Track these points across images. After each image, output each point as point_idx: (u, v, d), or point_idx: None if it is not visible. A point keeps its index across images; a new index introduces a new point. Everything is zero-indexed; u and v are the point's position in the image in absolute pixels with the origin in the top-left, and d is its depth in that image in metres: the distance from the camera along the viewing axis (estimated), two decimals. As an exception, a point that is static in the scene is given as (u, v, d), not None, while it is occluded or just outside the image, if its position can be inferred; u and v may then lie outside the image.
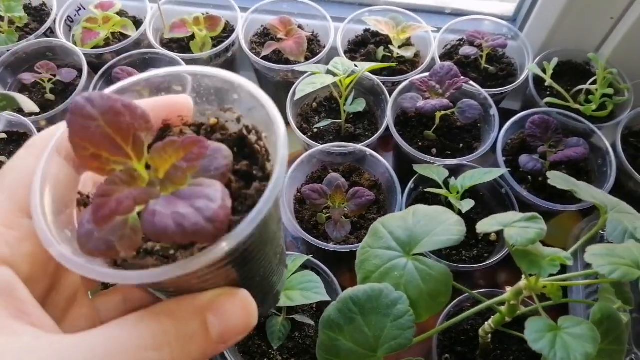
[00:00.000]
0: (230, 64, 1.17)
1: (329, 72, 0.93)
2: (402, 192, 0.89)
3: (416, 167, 0.89)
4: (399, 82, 1.00)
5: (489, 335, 0.72)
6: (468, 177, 0.86)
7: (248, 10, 1.14)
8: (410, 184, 0.90)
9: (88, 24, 1.12)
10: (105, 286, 0.68)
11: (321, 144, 0.95)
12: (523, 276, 0.60)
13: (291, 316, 0.78)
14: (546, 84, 1.01)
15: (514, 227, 0.57)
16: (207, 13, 1.16)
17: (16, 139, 1.01)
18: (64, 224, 0.31)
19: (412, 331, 0.56)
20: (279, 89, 1.12)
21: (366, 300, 0.59)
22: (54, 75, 1.08)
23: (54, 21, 1.15)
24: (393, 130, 0.94)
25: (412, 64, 1.11)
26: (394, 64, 1.07)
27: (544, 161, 0.91)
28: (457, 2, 1.21)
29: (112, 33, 1.14)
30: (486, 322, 0.70)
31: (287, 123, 0.97)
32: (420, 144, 0.98)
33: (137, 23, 1.18)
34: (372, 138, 0.95)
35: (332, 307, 0.60)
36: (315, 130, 1.02)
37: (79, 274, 0.27)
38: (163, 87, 0.37)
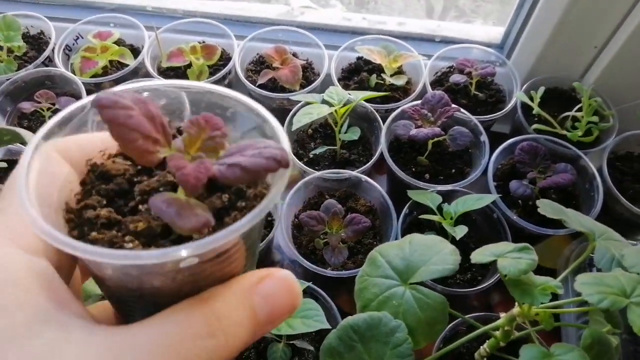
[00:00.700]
0: (226, 91, 1.19)
1: (324, 101, 0.96)
2: (397, 216, 0.91)
3: (410, 194, 0.92)
4: (392, 109, 1.03)
5: (485, 359, 0.74)
6: (461, 203, 0.89)
7: (244, 39, 1.17)
8: (405, 210, 0.93)
9: (86, 53, 1.14)
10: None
11: (317, 170, 0.98)
12: (516, 304, 0.63)
13: (291, 342, 0.79)
14: (534, 112, 1.05)
15: (507, 257, 0.59)
16: (204, 42, 1.19)
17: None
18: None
19: (411, 359, 0.58)
20: (275, 116, 1.14)
21: (366, 329, 0.60)
22: (53, 104, 1.09)
23: (53, 50, 1.17)
24: (387, 157, 0.97)
25: (404, 91, 1.14)
26: (386, 93, 1.10)
27: (534, 187, 0.94)
28: (446, 30, 1.25)
29: (110, 62, 1.17)
30: (481, 347, 0.72)
31: (284, 150, 0.99)
32: (413, 169, 1.01)
33: (135, 52, 1.20)
34: (367, 165, 0.98)
35: (332, 335, 0.61)
36: (311, 156, 1.04)
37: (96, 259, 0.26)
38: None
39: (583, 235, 1.00)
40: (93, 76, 1.13)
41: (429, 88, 1.09)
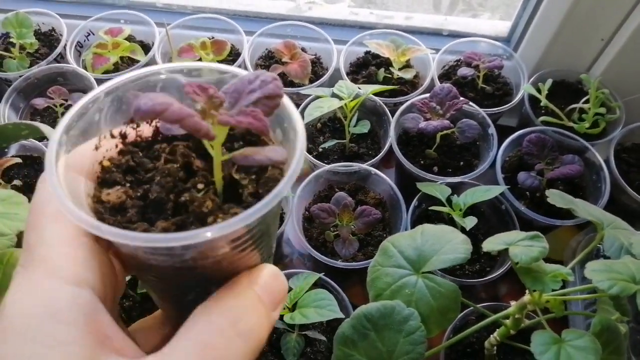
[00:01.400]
0: (236, 86, 1.20)
1: (333, 95, 0.97)
2: (407, 209, 0.93)
3: (420, 186, 0.93)
4: (401, 103, 1.04)
5: (495, 348, 0.76)
6: (470, 194, 0.90)
7: (253, 34, 1.18)
8: (415, 202, 0.94)
9: (98, 49, 1.16)
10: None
11: (326, 163, 0.99)
12: (527, 291, 0.64)
13: (304, 332, 0.81)
14: (542, 104, 1.06)
15: (518, 245, 0.60)
16: (213, 37, 1.20)
17: (30, 163, 1.04)
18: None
19: (424, 346, 0.59)
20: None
21: (379, 317, 0.62)
22: (66, 100, 1.11)
23: (64, 47, 1.18)
24: (396, 150, 0.98)
25: (412, 84, 1.15)
26: (395, 86, 1.11)
27: (541, 178, 0.95)
28: (453, 24, 1.26)
29: (122, 58, 1.18)
30: (491, 335, 0.74)
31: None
32: (422, 162, 1.02)
33: (146, 48, 1.22)
34: (376, 158, 0.99)
35: (346, 324, 0.63)
36: (321, 150, 1.05)
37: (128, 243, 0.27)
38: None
39: (589, 227, 1.01)
40: (105, 72, 1.15)
41: (437, 81, 1.10)
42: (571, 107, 1.07)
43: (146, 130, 0.37)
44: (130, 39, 1.22)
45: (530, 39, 1.14)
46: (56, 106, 1.10)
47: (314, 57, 1.19)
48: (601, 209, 0.79)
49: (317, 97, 0.97)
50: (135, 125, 0.37)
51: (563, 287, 0.63)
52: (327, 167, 0.97)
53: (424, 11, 1.45)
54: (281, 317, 0.77)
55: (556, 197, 0.73)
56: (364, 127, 1.01)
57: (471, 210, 0.95)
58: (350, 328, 0.63)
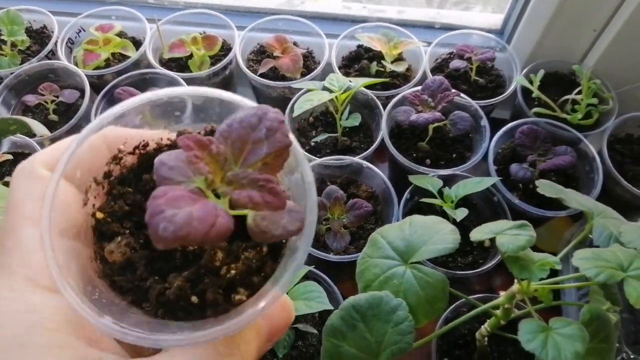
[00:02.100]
0: (228, 82, 1.20)
1: (324, 88, 0.96)
2: (399, 202, 0.92)
3: (411, 178, 0.93)
4: (393, 96, 1.04)
5: (486, 339, 0.75)
6: (461, 186, 0.89)
7: (244, 29, 1.18)
8: (406, 194, 0.94)
9: (89, 45, 1.15)
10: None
11: (319, 157, 0.98)
12: (515, 280, 0.63)
13: (295, 325, 0.81)
14: (533, 95, 1.06)
15: (505, 234, 0.60)
16: (205, 32, 1.20)
17: (22, 159, 1.03)
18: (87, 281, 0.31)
19: (412, 336, 0.59)
20: (276, 105, 1.13)
21: (367, 308, 0.61)
22: (57, 97, 1.11)
23: (55, 43, 1.18)
24: (388, 142, 0.98)
25: (404, 77, 1.15)
26: (387, 79, 1.10)
27: (534, 169, 0.95)
28: (446, 17, 1.25)
29: (113, 54, 1.18)
30: (482, 326, 0.73)
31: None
32: (414, 155, 1.01)
33: (137, 44, 1.21)
34: (368, 151, 0.99)
35: (335, 315, 0.62)
36: (313, 144, 1.05)
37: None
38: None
39: (583, 219, 1.01)
40: (96, 68, 1.15)
41: (429, 74, 1.10)
42: (564, 99, 1.07)
43: (129, 159, 0.36)
44: (121, 35, 1.21)
45: (522, 31, 1.14)
46: (47, 102, 1.10)
47: (305, 51, 1.18)
48: (593, 199, 0.79)
49: (309, 91, 0.97)
50: (117, 161, 0.36)
51: (554, 277, 0.63)
52: (318, 160, 0.97)
53: (416, 5, 1.45)
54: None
55: (546, 187, 0.73)
56: (355, 119, 1.01)
57: (463, 202, 0.94)
58: (339, 319, 0.62)
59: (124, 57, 1.18)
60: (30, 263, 0.30)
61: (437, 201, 0.89)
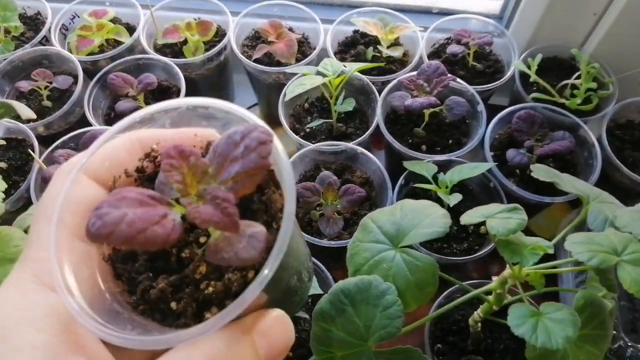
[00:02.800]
0: (223, 68, 1.19)
1: (319, 73, 0.95)
2: (393, 188, 0.91)
3: (406, 164, 0.92)
4: (389, 81, 1.03)
5: (479, 325, 0.74)
6: (456, 172, 0.88)
7: (239, 14, 1.16)
8: (401, 180, 0.92)
9: (82, 31, 1.14)
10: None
11: (314, 143, 0.97)
12: (507, 265, 0.62)
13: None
14: (531, 79, 1.04)
15: (496, 218, 0.59)
16: (199, 18, 1.19)
17: (15, 145, 1.03)
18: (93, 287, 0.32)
19: (401, 320, 0.58)
20: (271, 91, 1.14)
21: (356, 292, 0.61)
22: (50, 83, 1.10)
23: (49, 29, 1.17)
24: (383, 128, 0.96)
25: (400, 63, 1.13)
26: (382, 64, 1.09)
27: (531, 155, 0.93)
28: (444, 2, 1.23)
29: (107, 40, 1.17)
30: (475, 312, 0.72)
31: (280, 123, 0.99)
32: (410, 141, 1.00)
33: (131, 29, 1.20)
34: (363, 136, 0.97)
35: (324, 299, 0.62)
36: (308, 130, 1.04)
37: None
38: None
39: (582, 205, 0.99)
40: (89, 54, 1.13)
41: (425, 59, 1.08)
42: (563, 83, 1.05)
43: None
44: (115, 21, 1.20)
45: (521, 15, 1.12)
46: (40, 88, 1.09)
47: (301, 36, 1.17)
48: (590, 184, 0.77)
49: (302, 75, 0.96)
50: (150, 158, 0.36)
51: (549, 261, 0.62)
52: (312, 146, 0.96)
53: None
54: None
55: (541, 171, 0.72)
56: (349, 104, 0.99)
57: (459, 189, 0.93)
58: (328, 303, 0.62)
59: (118, 43, 1.16)
60: (41, 260, 0.31)
61: (431, 187, 0.87)
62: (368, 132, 0.98)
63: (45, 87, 1.09)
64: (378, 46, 1.11)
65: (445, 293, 0.82)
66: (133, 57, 1.11)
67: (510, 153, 0.93)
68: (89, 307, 0.29)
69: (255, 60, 1.10)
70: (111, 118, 1.09)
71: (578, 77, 1.03)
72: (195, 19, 1.17)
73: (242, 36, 1.19)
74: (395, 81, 1.01)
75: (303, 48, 1.16)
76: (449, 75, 0.96)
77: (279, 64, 1.11)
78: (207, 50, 1.13)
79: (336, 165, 1.01)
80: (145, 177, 0.36)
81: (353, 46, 1.17)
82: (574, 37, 1.10)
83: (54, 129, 1.07)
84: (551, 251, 0.58)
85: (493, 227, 0.57)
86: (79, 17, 1.21)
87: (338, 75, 0.94)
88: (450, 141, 1.00)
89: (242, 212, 0.30)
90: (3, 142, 1.02)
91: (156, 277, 0.32)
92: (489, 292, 0.67)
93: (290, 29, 1.17)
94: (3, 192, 0.71)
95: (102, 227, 0.27)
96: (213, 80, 1.19)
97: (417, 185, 0.89)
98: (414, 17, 1.15)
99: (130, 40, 1.14)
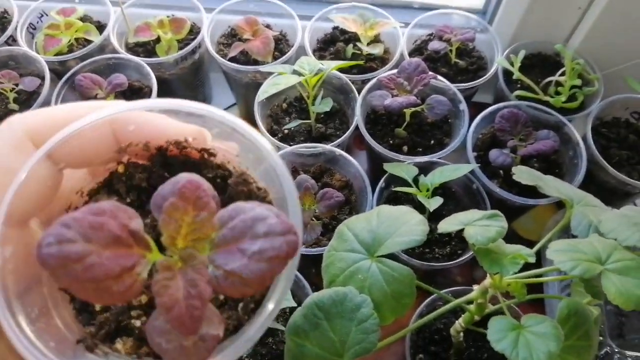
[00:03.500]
0: (198, 67, 1.15)
1: (295, 72, 0.91)
2: (373, 192, 0.88)
3: (386, 166, 0.88)
4: (369, 80, 0.99)
5: (461, 334, 0.72)
6: (437, 174, 0.85)
7: (214, 11, 1.12)
8: (381, 183, 0.89)
9: (50, 30, 1.10)
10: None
11: (292, 145, 0.94)
12: (488, 275, 0.59)
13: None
14: (514, 77, 1.01)
15: (475, 225, 0.56)
16: (172, 15, 1.14)
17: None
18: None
19: (377, 335, 0.55)
20: (248, 90, 1.10)
21: (331, 305, 0.57)
22: (17, 85, 1.05)
23: (15, 29, 1.12)
24: (363, 129, 0.93)
25: (381, 60, 1.10)
26: (362, 62, 1.05)
27: (515, 155, 0.90)
28: (425, -3, 1.20)
29: (76, 39, 1.12)
30: (457, 321, 0.70)
31: (255, 125, 0.96)
32: (391, 142, 0.97)
33: (101, 28, 1.15)
34: (341, 138, 0.94)
35: (297, 313, 0.59)
36: (286, 131, 1.00)
37: None
38: None
39: (568, 206, 0.97)
40: (58, 54, 1.09)
41: (406, 57, 1.05)
42: (547, 81, 1.02)
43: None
44: (84, 19, 1.15)
45: (505, 10, 1.09)
46: (6, 91, 1.04)
47: (278, 34, 1.13)
48: (575, 186, 0.75)
49: (278, 75, 0.92)
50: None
51: (533, 269, 0.59)
52: (290, 148, 0.92)
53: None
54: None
55: (523, 174, 0.69)
56: (327, 104, 0.96)
57: (442, 191, 0.90)
58: (302, 317, 0.58)
59: (88, 42, 1.12)
60: None
61: (411, 190, 0.84)
62: (347, 133, 0.94)
63: (12, 90, 1.05)
64: (358, 43, 1.08)
65: (426, 301, 0.79)
66: (103, 57, 1.06)
67: (493, 154, 0.90)
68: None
69: (231, 59, 1.06)
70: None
71: (562, 74, 1.00)
72: (168, 16, 1.13)
73: (217, 34, 1.15)
74: (375, 80, 0.98)
75: (281, 46, 1.12)
76: (430, 73, 0.92)
77: (255, 62, 1.07)
78: (180, 48, 1.09)
79: (315, 168, 0.97)
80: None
81: (332, 43, 1.13)
82: (558, 33, 1.07)
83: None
84: (532, 260, 0.56)
85: (472, 236, 0.54)
86: (47, 15, 1.16)
87: (315, 74, 0.90)
88: (433, 141, 0.97)
89: None
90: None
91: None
92: (470, 302, 0.65)
93: (268, 26, 1.13)
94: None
95: (53, 256, 0.23)
96: (188, 80, 1.15)
97: (397, 189, 0.85)
98: (395, 13, 1.12)
99: (100, 38, 1.09)
